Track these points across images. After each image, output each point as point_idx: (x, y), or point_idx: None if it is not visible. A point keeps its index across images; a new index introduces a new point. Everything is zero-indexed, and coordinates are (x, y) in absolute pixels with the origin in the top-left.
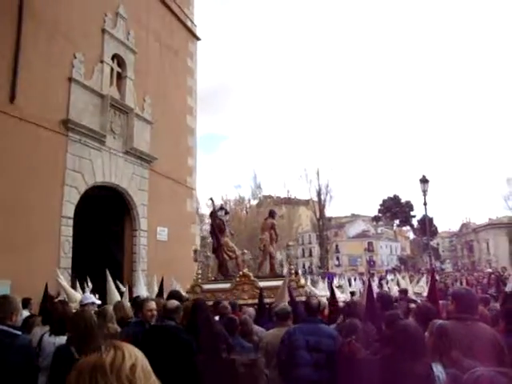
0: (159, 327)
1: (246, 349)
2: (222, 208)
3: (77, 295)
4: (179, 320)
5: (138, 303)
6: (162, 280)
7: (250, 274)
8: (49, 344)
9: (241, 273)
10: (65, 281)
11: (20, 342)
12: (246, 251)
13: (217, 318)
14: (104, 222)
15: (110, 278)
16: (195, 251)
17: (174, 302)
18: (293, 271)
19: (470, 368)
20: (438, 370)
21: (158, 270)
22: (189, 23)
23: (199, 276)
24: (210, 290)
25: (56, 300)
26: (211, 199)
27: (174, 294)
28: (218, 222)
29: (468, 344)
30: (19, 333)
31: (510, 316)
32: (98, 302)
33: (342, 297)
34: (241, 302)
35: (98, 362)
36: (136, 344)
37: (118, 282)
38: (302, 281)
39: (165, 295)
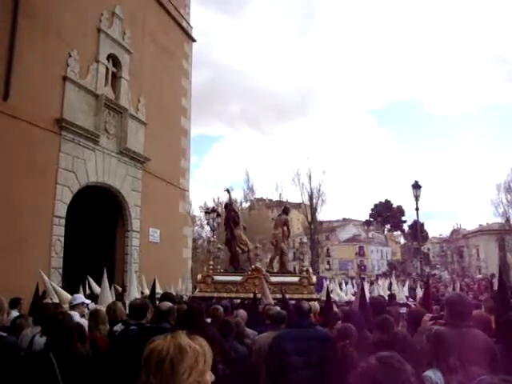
0: (155, 328)
1: (240, 352)
2: (213, 210)
3: (68, 296)
4: (173, 321)
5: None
6: (154, 282)
7: (262, 269)
8: (40, 345)
9: (253, 266)
10: (52, 282)
11: (4, 343)
12: (258, 245)
13: (209, 320)
14: (96, 222)
15: (105, 279)
16: (209, 242)
17: (167, 304)
18: (304, 269)
19: (475, 375)
20: (437, 376)
21: (149, 271)
22: (184, 24)
23: (211, 267)
24: (222, 282)
25: (44, 301)
26: (227, 190)
27: (167, 296)
28: (232, 214)
29: (463, 350)
30: (4, 334)
31: (507, 324)
32: (88, 301)
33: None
34: (251, 295)
35: None
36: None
37: (115, 284)
38: (314, 279)
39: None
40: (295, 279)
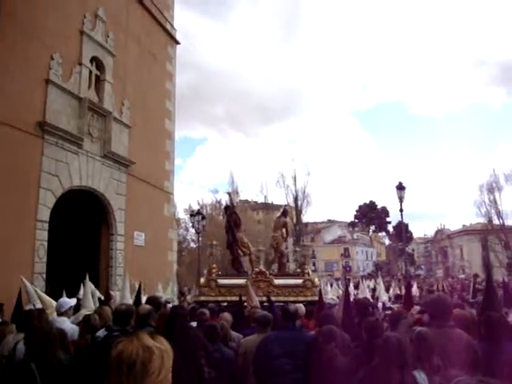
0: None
1: (226, 355)
2: (198, 213)
3: (52, 301)
4: (155, 324)
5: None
6: (140, 286)
7: (266, 272)
8: (23, 353)
9: (257, 269)
10: (35, 287)
11: None
12: (261, 248)
13: (194, 324)
14: (80, 226)
15: (88, 283)
16: (211, 245)
17: (146, 307)
18: (306, 271)
19: (456, 375)
20: (422, 377)
21: (134, 275)
22: (168, 27)
23: (213, 271)
24: (226, 286)
25: (27, 307)
26: (229, 193)
27: (152, 300)
28: (234, 216)
29: (445, 351)
30: None
31: (489, 323)
32: (74, 301)
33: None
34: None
35: None
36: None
37: (96, 289)
38: (317, 280)
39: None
40: (299, 282)
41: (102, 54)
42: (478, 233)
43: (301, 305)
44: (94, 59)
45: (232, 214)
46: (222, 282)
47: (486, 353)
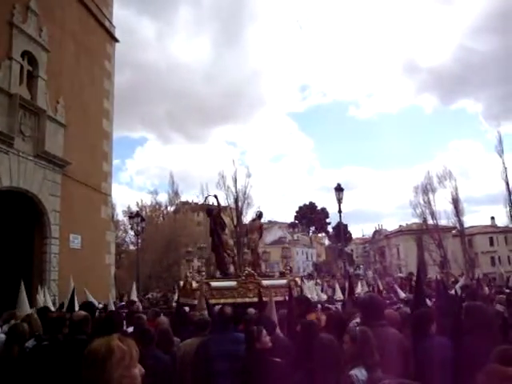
0: (69, 341)
1: (162, 360)
2: (137, 215)
3: None
4: (89, 331)
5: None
6: (74, 291)
7: (255, 274)
8: None
9: (246, 271)
10: None
11: None
12: (246, 251)
13: (131, 329)
14: (12, 229)
15: (23, 290)
16: (200, 248)
17: (81, 314)
18: (287, 271)
19: (390, 372)
20: (363, 374)
21: (69, 279)
22: (107, 24)
23: (203, 273)
24: (218, 288)
25: None
26: (215, 196)
27: (86, 306)
28: (219, 220)
29: (380, 349)
30: None
31: (419, 321)
32: None
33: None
34: (247, 300)
35: None
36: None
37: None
38: (298, 280)
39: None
40: (283, 282)
41: (35, 48)
42: (414, 233)
43: (251, 309)
44: (25, 54)
45: (218, 217)
46: (214, 284)
47: (415, 347)
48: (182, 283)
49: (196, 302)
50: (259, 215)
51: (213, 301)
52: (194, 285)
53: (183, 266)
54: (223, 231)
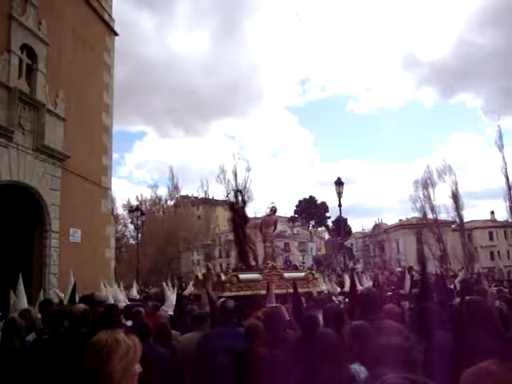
0: (70, 335)
1: (160, 355)
2: (137, 209)
3: None
4: (89, 324)
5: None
6: (74, 284)
7: (278, 267)
8: None
9: (270, 265)
10: None
11: None
12: (267, 244)
13: (129, 323)
14: (12, 223)
15: (21, 284)
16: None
17: (80, 307)
18: (304, 265)
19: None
20: (361, 370)
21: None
22: (106, 17)
23: (230, 266)
24: (245, 280)
25: None
26: (240, 191)
27: (87, 299)
28: (243, 213)
29: (378, 343)
30: None
31: (420, 314)
32: None
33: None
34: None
35: None
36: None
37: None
38: (316, 274)
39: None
40: (302, 275)
41: (34, 41)
42: (413, 227)
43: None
44: (24, 47)
45: (241, 211)
46: (242, 277)
47: (419, 342)
48: (199, 275)
49: (225, 294)
50: (274, 210)
51: (241, 293)
52: (223, 277)
53: (184, 259)
54: (246, 225)
